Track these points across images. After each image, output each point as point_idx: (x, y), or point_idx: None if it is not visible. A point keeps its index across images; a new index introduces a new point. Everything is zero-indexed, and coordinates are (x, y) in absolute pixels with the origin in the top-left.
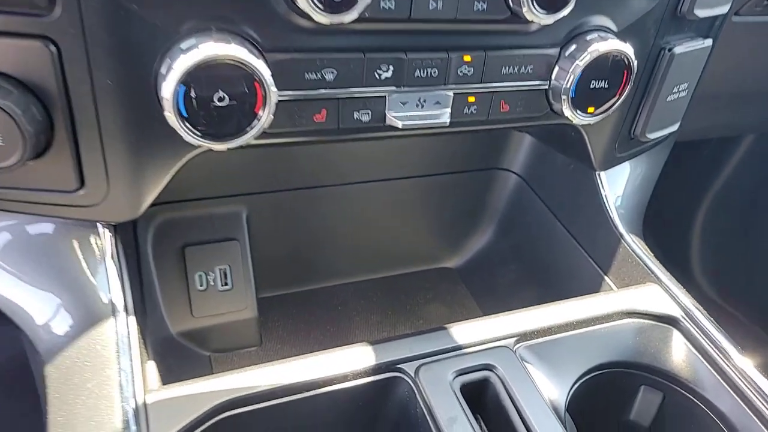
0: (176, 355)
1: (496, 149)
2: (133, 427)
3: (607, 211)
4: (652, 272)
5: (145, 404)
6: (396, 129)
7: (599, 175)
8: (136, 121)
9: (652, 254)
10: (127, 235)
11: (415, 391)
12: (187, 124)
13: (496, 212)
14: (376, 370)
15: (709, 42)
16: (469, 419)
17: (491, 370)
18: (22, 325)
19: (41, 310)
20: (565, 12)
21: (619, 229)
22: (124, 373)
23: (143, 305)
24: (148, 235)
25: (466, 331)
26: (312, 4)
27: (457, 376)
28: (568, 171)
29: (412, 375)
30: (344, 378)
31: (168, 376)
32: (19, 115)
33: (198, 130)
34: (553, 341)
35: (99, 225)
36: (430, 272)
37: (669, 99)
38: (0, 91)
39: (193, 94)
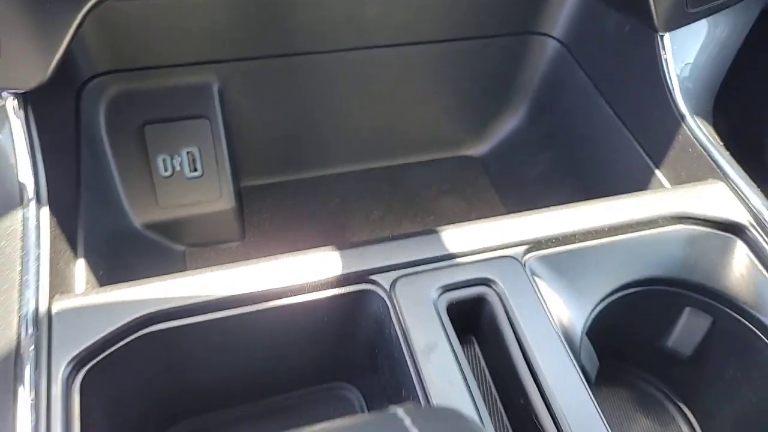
0: (142, 251)
1: (533, 7)
2: (30, 344)
3: (668, 85)
4: (719, 166)
5: (49, 313)
6: None
7: (661, 38)
8: None
9: (722, 144)
10: (64, 109)
11: (390, 309)
12: None
13: (530, 88)
14: (343, 281)
15: None
16: (453, 347)
17: (489, 286)
18: None
19: None
20: None
21: (680, 109)
22: (27, 275)
23: (78, 192)
24: (100, 111)
25: (462, 236)
26: None
27: (444, 293)
28: (621, 34)
29: (387, 289)
30: (301, 289)
31: (127, 275)
32: None
33: None
34: (575, 251)
35: (2, 94)
36: (447, 161)
37: None
38: None
39: None
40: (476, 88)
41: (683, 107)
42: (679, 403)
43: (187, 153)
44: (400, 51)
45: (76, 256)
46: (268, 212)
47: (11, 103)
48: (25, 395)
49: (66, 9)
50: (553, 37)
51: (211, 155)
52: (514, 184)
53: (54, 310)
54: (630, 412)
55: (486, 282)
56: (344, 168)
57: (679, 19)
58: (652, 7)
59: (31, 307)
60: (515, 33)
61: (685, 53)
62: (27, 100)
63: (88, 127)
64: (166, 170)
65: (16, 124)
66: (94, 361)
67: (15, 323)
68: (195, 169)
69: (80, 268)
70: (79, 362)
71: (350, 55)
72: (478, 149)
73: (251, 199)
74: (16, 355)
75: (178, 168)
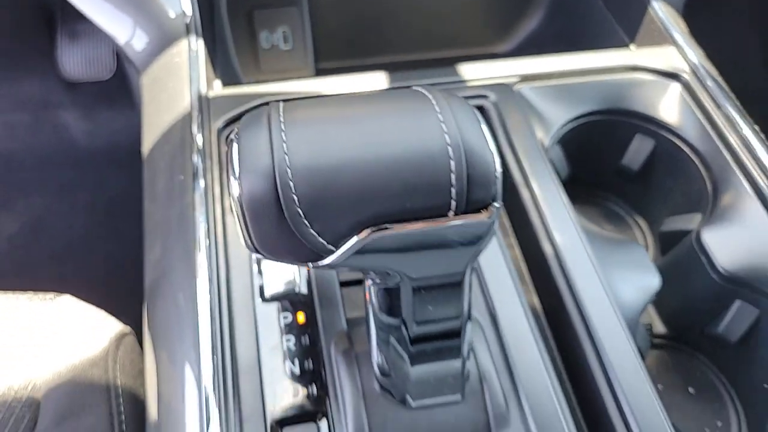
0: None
1: None
2: (196, 111)
3: None
4: (671, 35)
5: (208, 96)
6: None
7: None
8: None
9: (682, 22)
10: None
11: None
12: None
13: None
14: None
15: None
16: None
17: (488, 99)
18: (115, 41)
19: (126, 25)
20: None
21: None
22: (194, 76)
23: (213, 47)
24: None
25: (473, 68)
26: None
27: None
28: None
29: None
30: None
31: None
32: None
33: None
34: (554, 85)
35: None
36: (479, 56)
37: None
38: None
39: None
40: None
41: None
42: (633, 214)
43: (282, 31)
44: None
45: (216, 75)
46: None
47: None
48: (195, 143)
49: None
50: None
51: (299, 34)
52: None
53: (210, 96)
54: (599, 220)
55: (486, 96)
56: (398, 57)
57: None
58: None
59: (197, 94)
60: None
61: None
62: None
63: (216, 7)
64: (266, 43)
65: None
66: (234, 124)
67: (188, 103)
68: (287, 43)
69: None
70: (225, 122)
71: None
72: (504, 47)
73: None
74: (190, 116)
75: (275, 42)
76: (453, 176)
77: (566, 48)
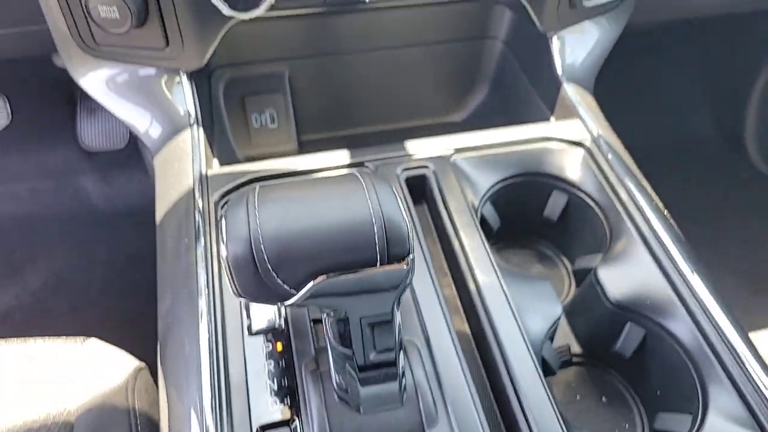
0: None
1: (486, 21)
2: (197, 187)
3: (555, 65)
4: (577, 110)
5: (207, 175)
6: (366, 1)
7: (551, 37)
8: (195, 2)
9: (593, 101)
10: (204, 86)
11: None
12: (222, 2)
13: (489, 74)
14: (352, 165)
15: None
16: (405, 197)
17: (428, 168)
18: (135, 131)
19: (144, 120)
20: None
21: (562, 79)
22: (197, 158)
23: (213, 129)
24: (220, 88)
25: (418, 144)
26: None
27: (404, 171)
28: (534, 36)
29: (374, 168)
30: (330, 168)
31: None
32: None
33: (228, 4)
34: (484, 155)
35: (180, 71)
36: (439, 124)
37: None
38: None
39: None
40: (455, 75)
41: (563, 79)
42: (559, 254)
43: (269, 113)
44: (403, 51)
45: (213, 155)
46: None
47: (183, 76)
48: (197, 212)
49: (216, 26)
50: (499, 39)
51: (284, 114)
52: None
53: (210, 174)
54: (531, 260)
55: (427, 167)
56: (368, 129)
57: (556, 25)
58: (534, 18)
59: (199, 173)
60: (475, 37)
61: (568, 48)
62: (189, 75)
63: (214, 96)
64: (256, 123)
65: (186, 87)
66: (228, 197)
67: (191, 180)
68: (274, 123)
69: (216, 163)
70: (221, 196)
71: (370, 54)
72: (459, 116)
73: (305, 147)
74: (193, 191)
75: (264, 122)
76: (376, 237)
77: (506, 117)
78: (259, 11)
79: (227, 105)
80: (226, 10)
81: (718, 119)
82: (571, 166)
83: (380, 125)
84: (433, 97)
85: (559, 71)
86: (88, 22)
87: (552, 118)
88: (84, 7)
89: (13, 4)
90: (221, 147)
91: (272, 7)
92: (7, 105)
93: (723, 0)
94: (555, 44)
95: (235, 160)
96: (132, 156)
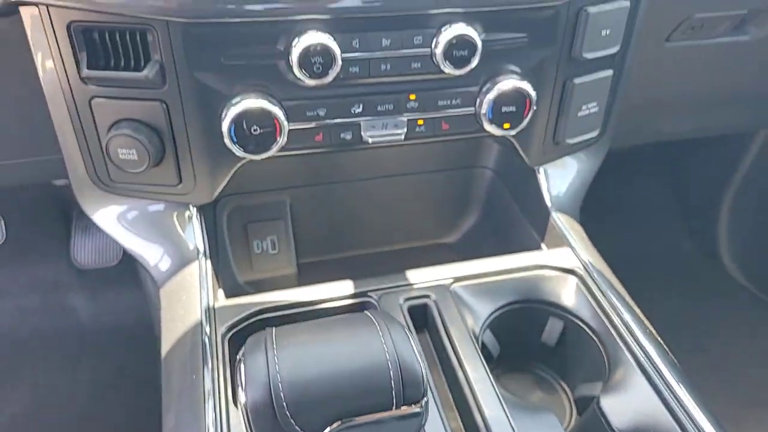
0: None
1: (476, 152)
2: (205, 319)
3: (543, 196)
4: (567, 240)
5: (214, 308)
6: (368, 143)
7: (537, 169)
8: (209, 145)
9: (580, 229)
10: (209, 215)
11: (378, 310)
12: (236, 145)
13: (480, 200)
14: (354, 295)
15: (609, 72)
16: (409, 327)
17: (429, 298)
18: (144, 264)
19: (154, 254)
20: (470, 67)
21: (551, 210)
22: (204, 291)
23: (218, 258)
24: (224, 216)
25: (418, 273)
26: (303, 73)
27: (406, 301)
28: (522, 167)
29: (377, 299)
30: (333, 299)
31: None
32: (146, 143)
33: (242, 148)
34: (480, 283)
35: (190, 206)
36: (432, 246)
37: (581, 114)
38: (137, 130)
39: (241, 127)
40: (447, 200)
41: (551, 208)
42: (558, 379)
43: (270, 239)
44: (397, 179)
45: (220, 286)
46: (316, 276)
47: (193, 210)
48: (203, 348)
49: (227, 166)
50: (490, 169)
51: (284, 240)
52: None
53: (216, 306)
54: (530, 386)
55: (428, 296)
56: (365, 251)
57: (542, 159)
58: (522, 153)
59: (207, 305)
60: (467, 167)
61: (553, 179)
62: (199, 209)
63: (219, 224)
64: (258, 249)
65: (195, 222)
66: (235, 329)
67: (199, 312)
68: (275, 249)
69: (221, 293)
70: (228, 329)
71: (366, 182)
72: (452, 238)
73: (305, 270)
74: (202, 326)
75: (265, 248)
76: (393, 382)
77: (497, 239)
78: (270, 153)
79: (230, 232)
80: (239, 153)
81: (692, 233)
82: (566, 293)
83: (376, 247)
84: (426, 221)
85: (548, 202)
86: (106, 162)
87: (543, 246)
88: (104, 149)
89: (20, 138)
90: (223, 273)
91: (282, 149)
92: (2, 224)
93: (692, 126)
94: (542, 176)
95: (236, 286)
96: (124, 273)
